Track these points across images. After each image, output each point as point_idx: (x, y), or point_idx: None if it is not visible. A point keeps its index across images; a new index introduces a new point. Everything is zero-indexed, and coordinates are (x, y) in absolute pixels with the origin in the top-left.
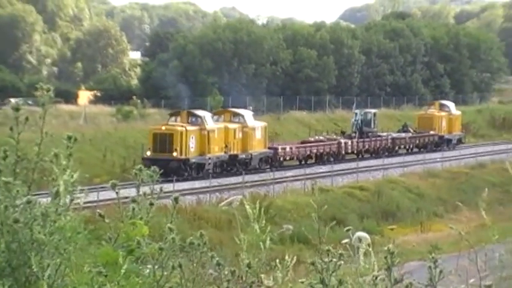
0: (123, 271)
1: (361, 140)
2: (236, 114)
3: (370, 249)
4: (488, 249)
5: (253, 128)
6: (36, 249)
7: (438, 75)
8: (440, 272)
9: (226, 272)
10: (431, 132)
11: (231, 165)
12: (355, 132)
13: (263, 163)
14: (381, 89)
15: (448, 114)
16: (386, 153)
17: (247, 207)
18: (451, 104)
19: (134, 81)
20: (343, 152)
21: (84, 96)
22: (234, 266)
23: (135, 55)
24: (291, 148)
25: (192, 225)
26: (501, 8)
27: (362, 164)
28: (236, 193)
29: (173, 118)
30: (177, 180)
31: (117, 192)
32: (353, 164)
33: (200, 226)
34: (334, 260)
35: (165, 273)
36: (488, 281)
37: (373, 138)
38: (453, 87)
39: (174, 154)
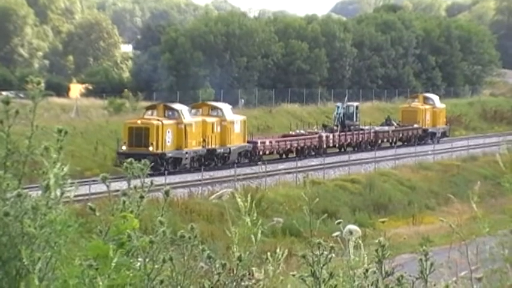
0: (113, 264)
1: (343, 133)
2: (214, 108)
3: (361, 242)
4: (479, 242)
5: (231, 121)
6: (26, 243)
7: (430, 68)
8: (431, 264)
9: (217, 265)
10: (415, 125)
11: (209, 160)
12: (337, 126)
13: (242, 157)
14: (373, 82)
15: (432, 107)
16: (369, 147)
17: (239, 200)
18: (435, 97)
19: (126, 74)
20: (324, 146)
21: (76, 89)
22: (226, 259)
23: (127, 48)
24: (270, 142)
25: (183, 218)
26: (492, 0)
27: (354, 156)
28: (228, 186)
29: (149, 112)
30: (170, 173)
31: (107, 186)
32: (345, 157)
33: (192, 219)
34: (325, 253)
35: (156, 266)
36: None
37: (355, 132)
38: (445, 80)
39: (150, 149)
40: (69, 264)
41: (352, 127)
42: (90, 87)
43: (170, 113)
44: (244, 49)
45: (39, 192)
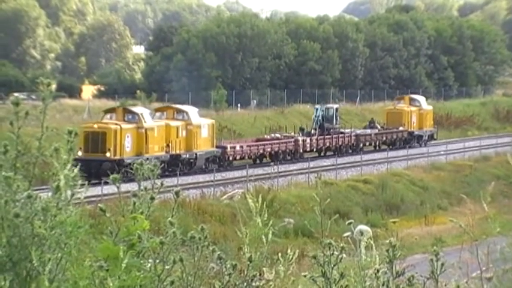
0: (124, 265)
1: (321, 137)
2: (180, 111)
3: (372, 242)
4: (490, 242)
5: (198, 125)
6: (37, 244)
7: (442, 68)
8: (442, 265)
9: (227, 266)
10: (401, 128)
11: (174, 166)
12: (315, 129)
13: (210, 163)
14: (385, 82)
15: (418, 109)
16: (350, 151)
17: (250, 201)
18: (421, 99)
19: (138, 76)
20: (301, 151)
21: (88, 90)
22: (237, 260)
23: (139, 49)
24: (241, 147)
25: (196, 219)
26: (505, 0)
27: (366, 157)
28: (240, 187)
29: (108, 115)
30: (182, 175)
31: (118, 187)
32: (357, 157)
33: (204, 220)
34: (336, 253)
35: (167, 267)
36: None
37: (335, 135)
38: (457, 80)
39: (107, 154)
40: (79, 265)
41: (331, 130)
42: (102, 88)
43: (130, 116)
44: (256, 50)
45: (50, 193)
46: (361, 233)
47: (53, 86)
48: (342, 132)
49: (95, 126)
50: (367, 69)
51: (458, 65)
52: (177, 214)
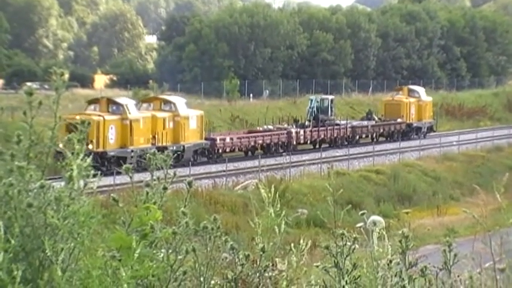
0: (136, 255)
1: (316, 129)
2: (167, 102)
3: (385, 233)
4: (503, 233)
5: (186, 117)
6: (49, 234)
7: (454, 59)
8: (455, 255)
9: (240, 256)
10: (399, 119)
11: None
12: (309, 121)
13: (198, 155)
14: (397, 73)
15: (417, 100)
16: (346, 143)
17: (262, 191)
18: (420, 90)
19: (150, 65)
20: (294, 143)
21: (101, 80)
22: (250, 250)
23: (151, 39)
24: (231, 139)
25: (208, 209)
26: None
27: (378, 147)
28: (252, 177)
29: (92, 106)
30: (194, 165)
31: (130, 177)
32: (369, 148)
33: (216, 210)
34: (349, 243)
35: (179, 257)
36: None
37: (330, 127)
38: (469, 71)
39: (90, 147)
40: (92, 255)
41: (326, 122)
42: (115, 78)
43: (114, 107)
44: (269, 40)
45: (63, 183)
46: (374, 223)
47: (66, 76)
48: (337, 124)
49: (77, 117)
50: (380, 59)
51: (470, 55)
52: (190, 204)
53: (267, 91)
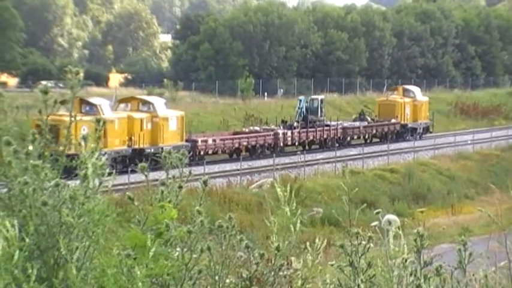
0: (151, 254)
1: (304, 130)
2: (145, 103)
3: (400, 232)
4: None
5: (165, 117)
6: (64, 232)
7: (469, 58)
8: (470, 254)
9: (255, 255)
10: (393, 120)
11: (137, 161)
12: (298, 122)
13: None
14: (412, 72)
15: (412, 100)
16: (337, 145)
17: (278, 189)
18: (416, 89)
19: (165, 64)
20: (282, 144)
21: (115, 79)
22: (265, 249)
23: (166, 38)
24: (214, 140)
25: (222, 207)
26: None
27: (393, 146)
28: (266, 176)
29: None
30: (208, 163)
31: (146, 175)
32: (384, 147)
33: (231, 209)
34: (364, 242)
35: (194, 256)
36: None
37: (319, 128)
38: (484, 70)
39: (61, 148)
40: (107, 253)
41: (316, 123)
42: (129, 76)
43: (87, 108)
44: (283, 39)
45: (77, 182)
46: (389, 222)
47: (81, 75)
48: (327, 125)
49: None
50: (394, 58)
51: (485, 54)
52: (205, 203)
53: (282, 90)
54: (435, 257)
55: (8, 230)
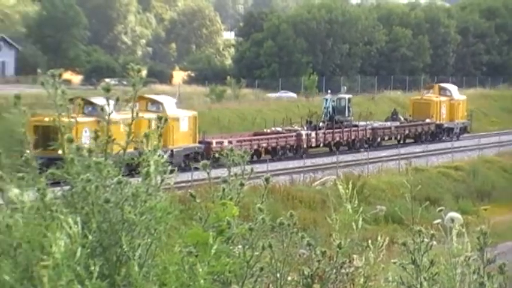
0: (213, 251)
1: (330, 131)
2: (154, 102)
3: (463, 229)
4: None
5: (175, 118)
6: (126, 229)
7: None
8: None
9: (317, 252)
10: (428, 120)
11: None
12: (324, 122)
13: (191, 160)
14: (477, 69)
15: (449, 99)
16: (366, 146)
17: (340, 187)
18: (453, 88)
19: (228, 62)
20: (305, 146)
21: (179, 76)
22: (327, 246)
23: (229, 35)
24: (230, 142)
25: (285, 205)
26: None
27: (457, 143)
28: (330, 173)
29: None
30: (271, 161)
31: (208, 173)
32: (448, 144)
33: (294, 206)
34: (426, 240)
35: (256, 253)
36: None
37: (347, 129)
38: None
39: (60, 152)
40: (169, 251)
41: (344, 123)
42: (193, 74)
43: (90, 108)
44: (347, 36)
45: (140, 179)
46: (452, 220)
47: (144, 72)
48: (355, 126)
49: (46, 119)
50: (459, 55)
51: None
52: (267, 200)
53: (345, 87)
54: (499, 255)
55: (70, 227)
